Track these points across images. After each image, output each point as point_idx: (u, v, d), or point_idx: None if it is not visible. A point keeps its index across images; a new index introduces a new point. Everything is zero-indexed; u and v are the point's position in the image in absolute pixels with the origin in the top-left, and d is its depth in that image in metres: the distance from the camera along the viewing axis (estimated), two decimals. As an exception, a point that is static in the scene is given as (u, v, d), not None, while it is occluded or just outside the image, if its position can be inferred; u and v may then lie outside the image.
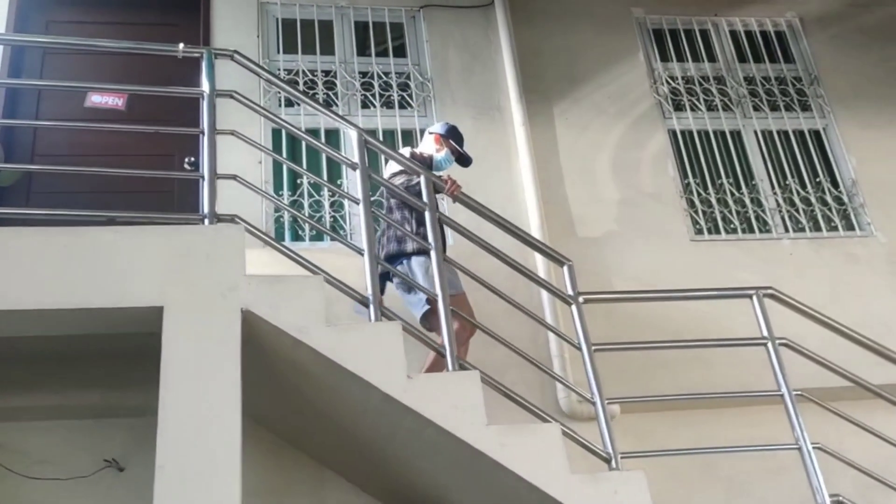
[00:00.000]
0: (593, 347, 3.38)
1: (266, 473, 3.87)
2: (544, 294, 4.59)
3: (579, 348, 3.39)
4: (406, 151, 4.42)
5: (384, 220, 4.11)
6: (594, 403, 3.28)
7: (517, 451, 2.99)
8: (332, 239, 3.84)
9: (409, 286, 3.97)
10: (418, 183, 3.86)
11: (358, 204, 3.46)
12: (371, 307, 3.20)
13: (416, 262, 4.04)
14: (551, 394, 4.56)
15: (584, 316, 3.44)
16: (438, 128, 4.63)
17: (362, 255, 3.32)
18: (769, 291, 3.70)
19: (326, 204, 5.06)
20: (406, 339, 3.12)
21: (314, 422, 3.75)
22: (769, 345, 3.56)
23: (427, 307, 3.90)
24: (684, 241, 5.29)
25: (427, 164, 4.43)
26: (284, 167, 5.03)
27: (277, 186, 5.06)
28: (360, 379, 3.01)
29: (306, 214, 4.88)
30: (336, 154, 3.85)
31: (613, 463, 3.16)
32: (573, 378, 4.23)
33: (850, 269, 5.39)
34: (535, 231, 4.85)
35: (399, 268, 4.01)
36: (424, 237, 3.76)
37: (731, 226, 5.49)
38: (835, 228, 5.62)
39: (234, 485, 2.63)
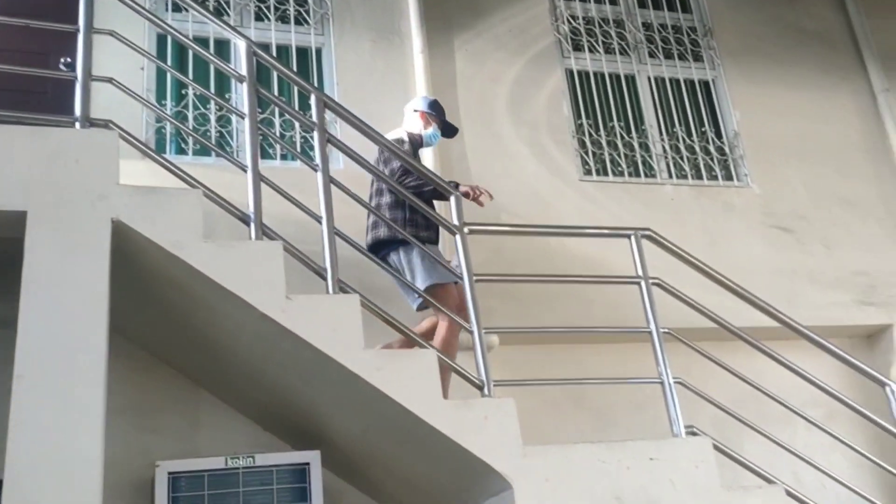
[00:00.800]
0: (475, 278, 3.41)
1: (137, 391, 3.78)
2: (432, 224, 4.60)
3: (461, 278, 3.42)
4: (400, 134, 4.37)
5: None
6: (471, 332, 3.33)
7: (392, 375, 3.01)
8: (218, 155, 3.71)
9: (402, 272, 3.97)
10: (414, 178, 3.91)
11: (244, 119, 3.35)
12: (252, 225, 3.12)
13: (408, 250, 4.01)
14: (432, 323, 4.61)
15: (467, 246, 3.46)
16: (421, 104, 4.59)
17: (246, 171, 3.22)
18: (647, 233, 3.81)
19: (213, 118, 4.88)
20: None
21: (190, 341, 3.67)
22: (642, 283, 3.68)
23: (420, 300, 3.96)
24: (573, 180, 5.39)
25: (419, 143, 4.48)
26: (169, 76, 4.80)
27: (160, 96, 4.83)
28: (237, 297, 2.96)
29: (190, 127, 4.69)
30: (223, 65, 3.69)
31: (486, 390, 3.23)
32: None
33: (726, 216, 5.63)
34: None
35: (392, 255, 4.03)
36: (416, 224, 3.87)
37: (619, 168, 5.62)
38: (715, 177, 5.84)
39: (98, 399, 2.55)
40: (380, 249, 4.06)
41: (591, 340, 5.00)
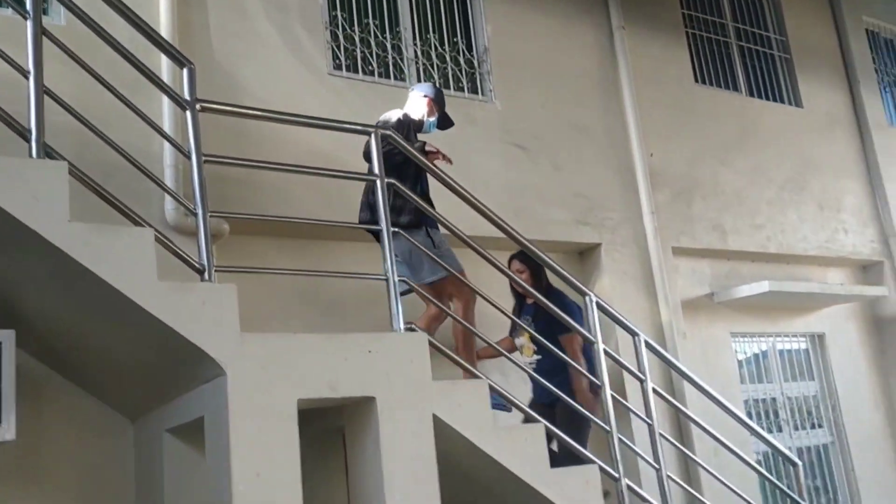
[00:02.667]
0: (203, 158, 3.23)
1: None
2: (165, 99, 4.29)
3: (189, 156, 3.23)
4: (398, 114, 4.50)
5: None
6: (196, 214, 3.17)
7: (102, 251, 2.79)
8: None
9: (403, 258, 4.27)
10: (399, 153, 4.00)
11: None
12: None
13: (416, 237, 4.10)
14: (159, 205, 4.36)
15: (198, 124, 3.25)
16: (429, 90, 4.79)
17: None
18: (386, 132, 3.81)
19: None
20: None
21: None
22: (378, 182, 3.69)
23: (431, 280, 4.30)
24: (322, 72, 5.26)
25: (419, 128, 4.65)
26: None
27: None
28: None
29: None
30: None
31: (206, 275, 3.11)
32: (184, 192, 4.07)
33: (467, 128, 5.80)
34: (163, 30, 4.45)
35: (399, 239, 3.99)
36: (400, 209, 4.12)
37: (370, 67, 5.57)
38: (461, 89, 5.97)
39: None
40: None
41: (327, 236, 5.00)
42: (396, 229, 3.72)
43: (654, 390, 4.38)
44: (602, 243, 6.33)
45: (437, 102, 4.78)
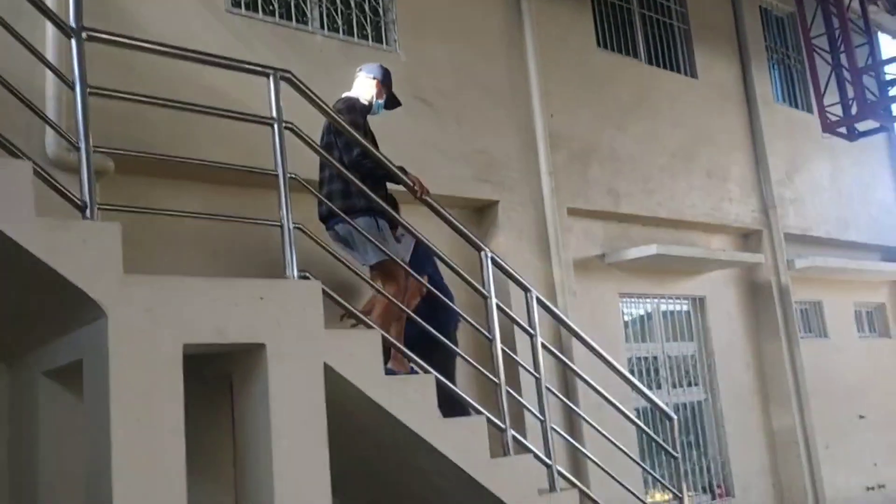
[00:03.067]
0: (88, 90, 3.06)
1: None
2: (49, 26, 4.04)
3: (73, 87, 3.05)
4: (353, 99, 4.57)
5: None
6: (79, 149, 3.01)
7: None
8: None
9: (350, 242, 4.42)
10: (361, 155, 4.24)
11: None
12: None
13: (362, 221, 4.25)
14: (40, 139, 4.12)
15: (84, 54, 3.08)
16: (377, 72, 4.76)
17: None
18: (287, 75, 3.71)
19: None
20: None
21: None
22: (275, 126, 3.60)
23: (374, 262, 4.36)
24: (219, 9, 5.06)
25: (368, 111, 4.67)
26: None
27: None
28: None
29: None
30: None
31: (88, 213, 2.97)
32: (67, 126, 3.85)
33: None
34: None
35: (341, 225, 4.35)
36: (351, 193, 4.19)
37: (270, 7, 5.38)
38: (366, 37, 5.87)
39: None
40: (335, 217, 4.28)
41: (219, 180, 4.86)
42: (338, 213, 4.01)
43: (543, 345, 4.48)
44: (500, 201, 6.40)
45: (385, 84, 4.78)
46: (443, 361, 4.39)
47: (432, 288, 4.41)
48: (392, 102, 4.93)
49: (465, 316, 4.34)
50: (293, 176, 3.64)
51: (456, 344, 4.56)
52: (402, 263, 4.24)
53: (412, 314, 4.15)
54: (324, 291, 3.46)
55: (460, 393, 4.10)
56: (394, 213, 4.29)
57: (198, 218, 4.20)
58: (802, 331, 9.39)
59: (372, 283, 4.35)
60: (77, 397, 3.16)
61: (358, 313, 3.82)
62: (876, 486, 9.85)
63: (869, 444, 9.90)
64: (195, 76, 4.55)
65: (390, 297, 4.15)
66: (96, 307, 2.80)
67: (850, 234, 10.27)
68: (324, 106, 3.88)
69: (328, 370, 3.34)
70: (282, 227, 3.56)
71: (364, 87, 4.76)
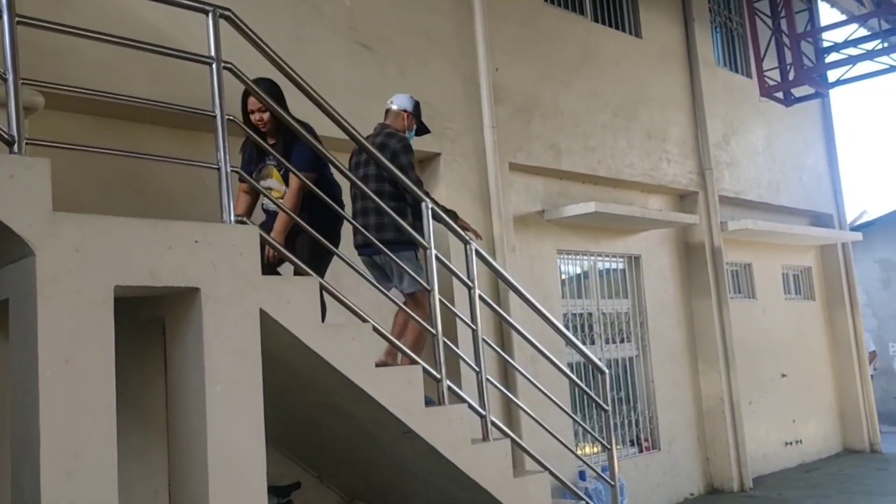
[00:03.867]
0: (17, 19, 2.91)
1: None
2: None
3: (0, 15, 2.90)
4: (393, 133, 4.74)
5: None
6: (6, 80, 2.88)
7: None
8: None
9: (387, 272, 4.66)
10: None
11: None
12: None
13: (403, 254, 4.45)
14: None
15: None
16: (408, 105, 4.99)
17: None
18: (226, 13, 3.59)
19: None
20: None
21: None
22: (213, 66, 3.49)
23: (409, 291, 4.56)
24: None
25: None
26: None
27: None
28: None
29: None
30: None
31: (16, 147, 2.85)
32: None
33: (315, 22, 5.62)
34: None
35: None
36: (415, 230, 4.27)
37: (212, -56, 5.19)
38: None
39: None
40: (370, 246, 4.49)
41: (155, 121, 4.73)
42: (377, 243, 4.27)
43: (481, 297, 4.51)
44: (442, 153, 6.37)
45: (416, 116, 5.05)
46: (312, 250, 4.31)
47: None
48: (422, 130, 5.17)
49: (403, 265, 4.33)
50: (231, 118, 3.56)
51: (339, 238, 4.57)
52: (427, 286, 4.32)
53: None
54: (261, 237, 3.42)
55: (397, 343, 4.11)
56: (450, 222, 4.54)
57: (132, 157, 4.06)
58: (732, 291, 9.67)
59: (402, 305, 4.38)
60: (3, 336, 3.07)
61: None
62: (794, 441, 10.30)
63: (789, 401, 10.32)
64: (129, 11, 4.38)
65: (421, 321, 4.33)
66: (23, 245, 2.72)
67: (782, 198, 10.55)
68: (264, 46, 3.77)
69: (264, 316, 3.31)
70: (219, 170, 3.47)
71: (397, 120, 4.99)
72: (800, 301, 11.31)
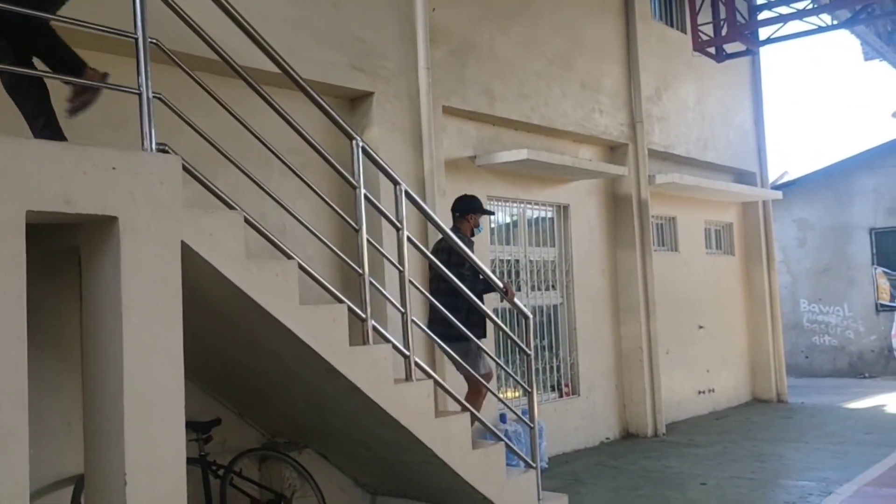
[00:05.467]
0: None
1: None
2: None
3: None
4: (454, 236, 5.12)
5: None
6: None
7: None
8: None
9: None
10: (468, 267, 5.25)
11: None
12: None
13: (455, 346, 5.14)
14: None
15: None
16: (465, 209, 5.76)
17: None
18: None
19: None
20: None
21: None
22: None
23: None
24: None
25: (471, 244, 5.54)
26: None
27: None
28: None
29: None
30: None
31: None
32: None
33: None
34: None
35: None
36: (470, 324, 5.04)
37: None
38: None
39: None
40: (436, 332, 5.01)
41: (75, 43, 4.48)
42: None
43: (409, 239, 4.49)
44: (375, 92, 6.26)
45: (477, 211, 5.80)
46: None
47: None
48: (485, 214, 6.02)
49: (332, 205, 4.26)
50: (154, 41, 3.41)
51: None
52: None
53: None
54: (184, 168, 3.30)
55: (323, 281, 4.06)
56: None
57: (46, 78, 3.85)
58: (656, 244, 9.89)
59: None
60: None
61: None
62: (707, 390, 10.71)
63: (704, 352, 10.69)
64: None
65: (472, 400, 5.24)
66: (-75, 164, 2.57)
67: (708, 154, 10.77)
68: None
69: (185, 249, 3.21)
70: (140, 95, 3.33)
71: (464, 225, 5.76)
72: (720, 255, 11.64)
